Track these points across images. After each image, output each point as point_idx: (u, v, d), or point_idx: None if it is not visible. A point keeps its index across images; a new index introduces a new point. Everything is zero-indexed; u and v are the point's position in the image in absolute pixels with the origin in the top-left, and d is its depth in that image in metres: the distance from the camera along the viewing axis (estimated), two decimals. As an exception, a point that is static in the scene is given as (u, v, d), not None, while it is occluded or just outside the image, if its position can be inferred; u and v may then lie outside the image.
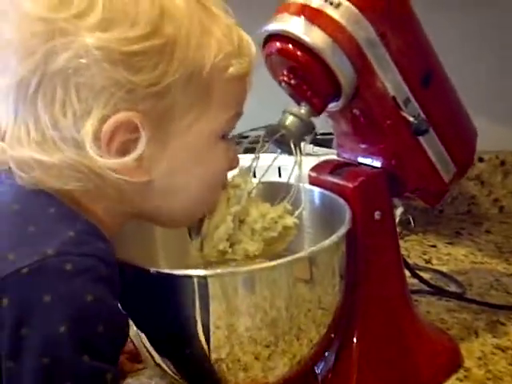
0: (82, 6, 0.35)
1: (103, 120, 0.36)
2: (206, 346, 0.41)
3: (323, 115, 0.49)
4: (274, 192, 0.48)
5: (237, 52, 0.39)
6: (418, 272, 0.61)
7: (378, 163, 0.50)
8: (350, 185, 0.48)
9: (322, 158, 0.55)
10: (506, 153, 0.86)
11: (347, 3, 0.44)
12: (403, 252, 0.54)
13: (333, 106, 0.48)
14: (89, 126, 0.35)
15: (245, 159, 0.53)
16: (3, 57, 0.37)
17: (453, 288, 0.67)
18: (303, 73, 0.45)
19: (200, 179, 0.40)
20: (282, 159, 0.49)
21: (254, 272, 0.41)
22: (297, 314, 0.42)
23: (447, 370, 0.53)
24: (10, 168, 0.37)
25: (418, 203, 0.66)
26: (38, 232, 0.35)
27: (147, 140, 0.36)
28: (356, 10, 0.44)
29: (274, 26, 0.46)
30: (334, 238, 0.43)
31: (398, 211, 0.79)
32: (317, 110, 0.47)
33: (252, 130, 0.48)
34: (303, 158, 0.46)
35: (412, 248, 0.78)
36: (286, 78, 0.46)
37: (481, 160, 0.85)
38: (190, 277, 0.40)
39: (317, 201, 0.51)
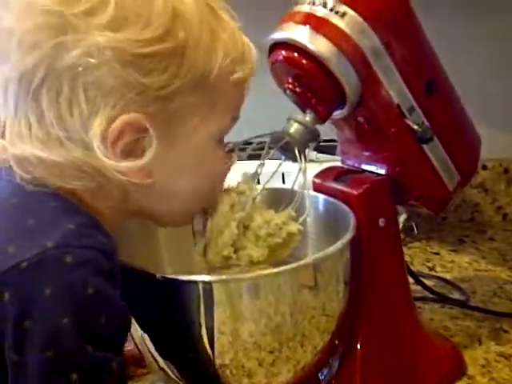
0: (94, 2, 0.35)
1: (111, 120, 0.35)
2: (210, 352, 0.42)
3: (327, 122, 0.49)
4: (279, 198, 0.48)
5: (241, 57, 0.39)
6: (421, 279, 0.61)
7: (382, 170, 0.51)
8: (355, 192, 0.48)
9: (326, 165, 0.55)
10: (509, 160, 0.86)
11: (352, 12, 0.44)
12: (406, 259, 0.54)
13: (337, 114, 0.48)
14: (97, 127, 0.35)
15: (249, 166, 0.54)
16: (2, 46, 0.36)
17: (456, 295, 0.67)
18: (308, 81, 0.46)
19: (200, 180, 0.40)
20: (286, 165, 0.50)
21: (259, 278, 0.41)
22: (301, 321, 0.42)
23: (451, 378, 0.53)
24: (10, 166, 0.37)
25: (421, 210, 0.66)
26: (38, 225, 0.35)
27: (155, 141, 0.36)
28: (361, 20, 0.44)
29: (279, 35, 0.46)
30: (338, 244, 0.43)
31: (402, 218, 0.79)
32: (321, 118, 0.47)
33: (257, 136, 0.49)
34: (307, 164, 0.46)
35: (415, 255, 0.78)
36: (291, 86, 0.46)
37: (484, 168, 0.86)
38: (194, 282, 0.40)
39: (321, 207, 0.51)
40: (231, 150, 0.46)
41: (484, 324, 0.61)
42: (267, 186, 0.50)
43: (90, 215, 0.37)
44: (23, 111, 0.36)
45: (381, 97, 0.47)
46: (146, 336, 0.44)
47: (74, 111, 0.35)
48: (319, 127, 0.47)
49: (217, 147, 0.40)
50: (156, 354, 0.44)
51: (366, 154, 0.52)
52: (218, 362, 0.42)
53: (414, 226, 0.82)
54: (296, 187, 0.48)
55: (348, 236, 0.44)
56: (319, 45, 0.44)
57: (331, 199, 0.50)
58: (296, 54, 0.45)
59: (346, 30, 0.44)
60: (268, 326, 0.41)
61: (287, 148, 0.47)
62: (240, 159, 0.48)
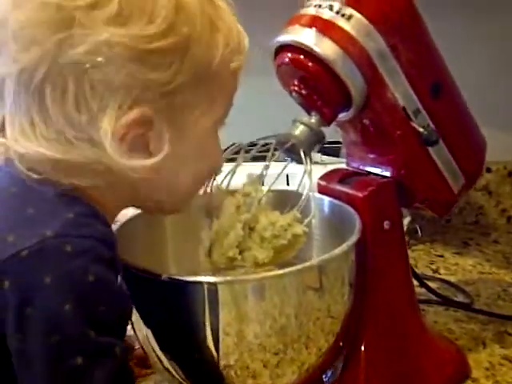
0: None
1: (120, 117, 0.35)
2: (215, 353, 0.42)
3: (332, 124, 0.49)
4: (284, 200, 0.48)
5: (238, 47, 0.39)
6: (425, 281, 0.61)
7: (387, 173, 0.51)
8: (360, 194, 0.49)
9: (330, 167, 0.55)
10: (513, 163, 0.86)
11: (358, 15, 0.45)
12: (411, 261, 0.54)
13: (343, 116, 0.49)
14: (106, 124, 0.35)
15: (254, 167, 0.54)
16: None
17: (460, 298, 0.67)
18: (314, 83, 0.46)
19: (201, 167, 0.41)
20: (291, 167, 0.50)
21: (264, 280, 0.41)
22: (306, 322, 0.42)
23: (455, 381, 0.53)
24: (9, 158, 0.36)
25: (425, 213, 0.66)
26: (37, 214, 0.35)
27: (162, 137, 0.37)
28: (367, 22, 0.45)
29: (285, 37, 0.46)
30: (344, 246, 0.43)
31: (406, 220, 0.79)
32: (327, 120, 0.47)
33: (262, 138, 0.49)
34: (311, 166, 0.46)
35: (419, 257, 0.78)
36: (296, 88, 0.47)
37: (488, 170, 0.85)
38: (200, 283, 0.41)
39: (326, 209, 0.52)
40: (236, 152, 0.47)
41: (488, 327, 0.61)
42: (272, 187, 0.50)
43: (89, 205, 0.37)
44: (25, 108, 0.35)
45: (386, 99, 0.47)
46: (150, 336, 0.44)
47: (82, 108, 0.35)
48: (324, 129, 0.48)
49: (215, 134, 0.41)
50: (161, 354, 0.44)
51: (371, 156, 0.52)
52: (222, 362, 0.42)
53: (418, 228, 0.82)
54: (301, 189, 0.48)
55: (353, 238, 0.44)
56: (325, 47, 0.45)
57: (336, 201, 0.51)
58: (302, 57, 0.45)
59: (352, 32, 0.44)
60: (273, 327, 0.41)
61: (292, 150, 0.47)
62: (245, 161, 0.48)
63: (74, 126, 0.35)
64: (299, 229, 0.44)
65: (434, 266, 0.76)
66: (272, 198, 0.48)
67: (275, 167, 0.49)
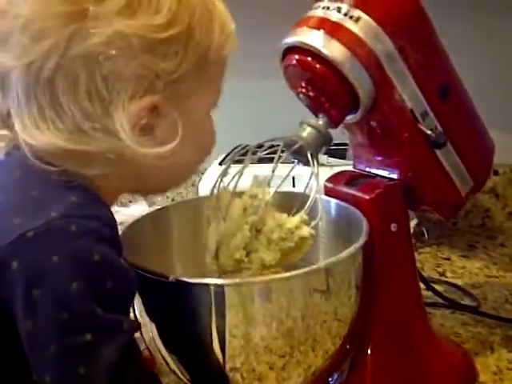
0: None
1: (131, 106, 0.36)
2: (221, 355, 0.42)
3: (339, 126, 0.49)
4: (290, 202, 0.48)
5: (229, 34, 0.40)
6: (432, 285, 0.61)
7: (394, 175, 0.51)
8: (367, 196, 0.48)
9: (337, 169, 0.55)
10: (521, 166, 0.85)
11: (366, 17, 0.44)
12: (417, 264, 0.54)
13: (350, 118, 0.48)
14: (119, 113, 0.36)
15: (260, 169, 0.54)
16: (3, 33, 0.35)
17: (467, 301, 0.66)
18: (321, 85, 0.46)
19: (201, 147, 0.42)
20: (296, 169, 0.50)
21: (271, 282, 0.41)
22: (312, 325, 0.42)
23: (462, 385, 0.53)
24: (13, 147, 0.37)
25: (431, 216, 0.66)
26: (41, 196, 0.36)
27: (173, 123, 0.38)
28: (375, 24, 0.44)
29: (293, 39, 0.46)
30: (351, 249, 0.43)
31: (412, 223, 0.79)
32: (334, 122, 0.47)
33: (269, 140, 0.49)
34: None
35: (426, 260, 0.77)
36: (304, 90, 0.46)
37: (496, 173, 0.85)
38: (207, 285, 0.41)
39: (333, 212, 0.51)
40: (243, 154, 0.47)
41: (496, 331, 0.61)
42: (279, 189, 0.50)
43: (90, 191, 0.38)
44: (35, 100, 0.36)
45: (394, 101, 0.47)
46: (157, 338, 0.44)
47: (94, 99, 0.36)
48: (331, 131, 0.47)
49: (210, 116, 0.42)
50: (167, 356, 0.44)
51: (379, 158, 0.52)
52: (228, 365, 0.42)
53: (424, 231, 0.81)
54: (308, 191, 0.48)
55: (361, 241, 0.44)
56: (333, 49, 0.44)
57: (343, 203, 0.50)
58: (310, 59, 0.45)
59: (360, 34, 0.44)
60: (279, 330, 0.41)
61: (299, 152, 0.47)
62: (251, 162, 0.48)
63: (87, 116, 0.36)
64: (306, 231, 0.44)
65: (440, 269, 0.75)
66: (279, 199, 0.48)
67: (281, 169, 0.49)
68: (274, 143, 0.49)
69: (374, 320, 0.49)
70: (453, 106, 0.49)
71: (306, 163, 0.47)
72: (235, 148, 0.87)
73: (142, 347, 0.50)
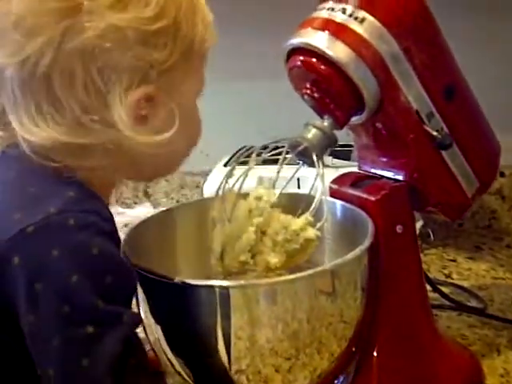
0: None
1: (128, 97, 0.37)
2: (226, 357, 0.42)
3: (344, 128, 0.49)
4: (295, 203, 0.48)
5: (209, 25, 0.41)
6: (438, 286, 0.61)
7: (399, 176, 0.50)
8: (373, 198, 0.48)
9: (341, 171, 0.55)
10: (527, 167, 0.85)
11: (371, 18, 0.44)
12: (423, 266, 0.53)
13: (355, 119, 0.48)
14: (116, 105, 0.36)
15: (265, 170, 0.54)
16: None
17: (473, 303, 0.66)
18: (326, 86, 0.46)
19: (192, 134, 0.43)
20: (301, 170, 0.50)
21: (277, 284, 0.41)
22: (318, 327, 0.42)
23: (469, 387, 0.52)
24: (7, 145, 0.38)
25: (437, 217, 0.65)
26: (39, 193, 0.37)
27: (170, 111, 0.39)
28: (380, 25, 0.44)
29: (297, 40, 0.46)
30: (357, 251, 0.43)
31: (418, 224, 0.79)
32: (339, 123, 0.47)
33: (274, 141, 0.49)
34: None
35: (432, 262, 0.77)
36: (309, 91, 0.46)
37: (502, 175, 0.84)
38: (212, 287, 0.40)
39: (338, 213, 0.51)
40: (248, 155, 0.47)
41: (502, 333, 0.60)
42: (284, 191, 0.50)
43: (86, 185, 0.38)
44: (31, 96, 0.36)
45: (399, 102, 0.46)
46: (162, 339, 0.44)
47: (91, 92, 0.36)
48: (335, 132, 0.47)
49: (197, 105, 0.43)
50: (172, 358, 0.44)
51: (384, 159, 0.52)
52: (234, 367, 0.42)
53: (430, 232, 0.81)
54: (313, 192, 0.48)
55: (366, 242, 0.44)
56: (338, 50, 0.44)
57: (348, 205, 0.50)
58: (314, 60, 0.45)
59: (365, 35, 0.44)
60: (285, 332, 0.41)
61: (305, 153, 0.47)
62: (256, 164, 0.48)
63: (85, 109, 0.37)
64: (312, 233, 0.44)
65: (446, 271, 0.75)
66: (284, 201, 0.48)
67: (286, 170, 0.49)
68: (279, 145, 0.49)
69: (379, 322, 0.49)
70: (458, 107, 0.49)
71: (311, 165, 0.47)
72: (240, 150, 0.87)
73: (147, 348, 0.50)
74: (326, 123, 0.47)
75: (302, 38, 0.46)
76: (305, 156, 0.47)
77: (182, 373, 0.45)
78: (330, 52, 0.44)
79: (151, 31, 0.37)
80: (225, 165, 0.83)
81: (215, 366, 0.43)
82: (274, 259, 0.44)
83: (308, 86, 0.46)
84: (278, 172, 0.46)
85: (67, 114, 0.36)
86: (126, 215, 0.81)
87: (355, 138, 0.54)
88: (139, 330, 0.39)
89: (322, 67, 0.45)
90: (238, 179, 0.47)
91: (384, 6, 0.45)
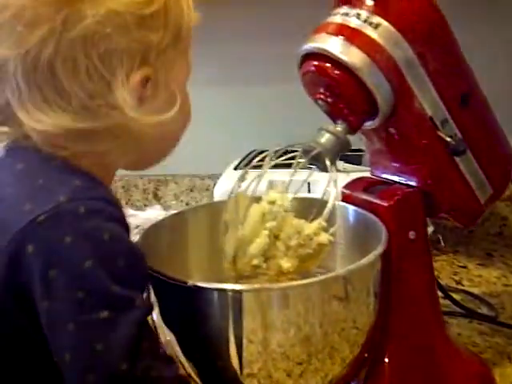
0: None
1: (129, 80, 0.38)
2: (238, 361, 0.41)
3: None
4: (307, 208, 0.48)
5: (192, 9, 0.42)
6: (450, 293, 0.60)
7: (412, 182, 0.50)
8: (385, 203, 0.48)
9: (352, 175, 0.55)
10: (539, 174, 0.84)
11: (386, 24, 0.44)
12: (433, 272, 0.53)
13: (369, 124, 0.48)
14: (121, 88, 0.37)
15: (275, 174, 0.54)
16: None
17: (484, 311, 0.66)
18: (340, 91, 0.46)
19: (184, 121, 0.44)
20: (312, 175, 0.50)
21: (290, 289, 0.41)
22: (331, 333, 0.42)
23: (480, 395, 0.52)
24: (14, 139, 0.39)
25: (448, 223, 0.65)
26: (47, 183, 0.37)
27: (171, 91, 0.40)
28: (395, 31, 0.44)
29: (312, 45, 0.46)
30: (371, 256, 0.43)
31: (428, 231, 0.78)
32: (353, 128, 0.47)
33: (288, 146, 0.49)
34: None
35: (442, 268, 0.76)
36: (322, 96, 0.46)
37: (513, 180, 0.84)
38: (224, 290, 0.41)
39: (351, 218, 0.51)
40: (261, 159, 0.47)
41: (514, 341, 0.60)
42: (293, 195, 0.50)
43: (90, 174, 0.39)
44: (35, 87, 0.37)
45: (413, 108, 0.46)
46: (173, 341, 0.44)
47: (94, 77, 0.37)
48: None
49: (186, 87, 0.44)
50: (184, 360, 0.44)
51: (397, 165, 0.51)
52: (245, 371, 0.42)
53: (440, 238, 0.80)
54: (325, 197, 0.48)
55: (380, 248, 0.43)
56: (352, 55, 0.44)
57: (361, 210, 0.50)
58: (329, 65, 0.45)
59: (380, 40, 0.44)
60: (297, 336, 0.41)
61: (317, 158, 0.47)
62: (271, 167, 0.48)
63: (90, 95, 0.37)
64: (325, 238, 0.44)
65: (457, 277, 0.74)
66: (296, 205, 0.48)
67: (297, 174, 0.49)
68: (290, 149, 0.49)
69: (391, 328, 0.49)
70: (473, 114, 0.49)
71: (324, 169, 0.47)
72: (250, 153, 0.87)
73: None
74: (339, 128, 0.47)
75: (316, 43, 0.46)
76: (317, 161, 0.47)
77: (193, 375, 0.45)
78: (344, 57, 0.44)
79: (147, 15, 0.38)
80: (235, 168, 0.83)
81: (226, 370, 0.42)
82: (286, 264, 0.44)
83: (322, 90, 0.46)
84: (292, 176, 0.46)
85: (73, 100, 0.37)
86: (138, 217, 0.81)
87: (367, 143, 0.54)
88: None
89: (336, 72, 0.45)
90: (250, 183, 0.47)
91: (399, 12, 0.45)
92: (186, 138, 0.45)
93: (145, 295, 0.40)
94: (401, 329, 0.49)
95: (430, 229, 0.79)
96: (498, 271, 0.75)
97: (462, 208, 0.52)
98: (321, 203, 0.47)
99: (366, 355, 0.46)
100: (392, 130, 0.49)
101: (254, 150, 0.84)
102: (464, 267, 0.77)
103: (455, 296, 0.63)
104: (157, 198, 0.95)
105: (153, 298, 0.43)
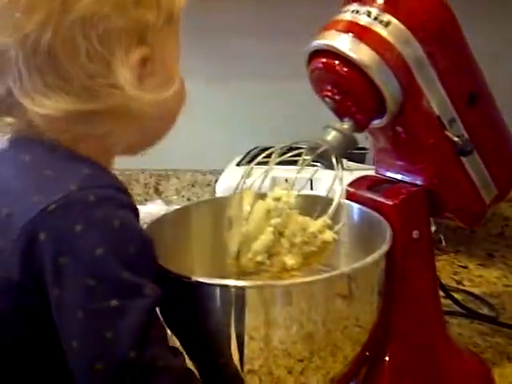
0: None
1: (129, 59, 0.38)
2: (238, 357, 0.41)
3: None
4: (311, 205, 0.48)
5: None
6: (451, 293, 0.60)
7: (418, 181, 0.50)
8: (390, 202, 0.48)
9: (356, 173, 0.55)
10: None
11: (396, 22, 0.44)
12: (435, 272, 0.53)
13: (376, 123, 0.48)
14: (120, 67, 0.38)
15: (279, 171, 0.54)
16: None
17: (485, 311, 0.66)
18: (348, 88, 0.45)
19: (180, 101, 0.44)
20: (316, 172, 0.49)
21: (294, 286, 0.41)
22: (333, 330, 0.42)
23: (480, 395, 0.52)
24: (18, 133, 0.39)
25: (449, 223, 0.65)
26: (55, 174, 0.38)
27: (169, 69, 0.41)
28: (405, 29, 0.44)
29: (321, 42, 0.46)
30: (375, 255, 0.42)
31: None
32: (360, 126, 0.47)
33: (293, 143, 0.48)
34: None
35: (443, 268, 0.76)
36: (330, 94, 0.46)
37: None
38: (227, 287, 0.40)
39: (355, 216, 0.51)
40: (267, 156, 0.47)
41: (514, 342, 0.60)
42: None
43: (96, 162, 0.39)
44: (36, 72, 0.37)
45: (421, 107, 0.46)
46: (174, 337, 0.44)
47: (95, 59, 0.37)
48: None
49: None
50: (185, 355, 0.44)
51: (402, 164, 0.51)
52: (246, 367, 0.42)
53: (442, 238, 0.80)
54: (330, 195, 0.48)
55: (385, 247, 0.43)
56: (361, 53, 0.44)
57: (365, 208, 0.50)
58: (337, 62, 0.45)
59: (389, 38, 0.44)
60: (299, 334, 0.41)
61: (323, 155, 0.47)
62: (274, 164, 0.48)
63: (91, 76, 0.38)
64: (330, 236, 0.44)
65: (457, 277, 0.74)
66: (301, 202, 0.48)
67: (300, 171, 0.49)
68: (295, 146, 0.49)
69: (392, 326, 0.49)
70: (480, 114, 0.49)
71: (329, 167, 0.47)
72: (252, 150, 0.87)
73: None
74: (346, 126, 0.46)
75: (325, 39, 0.46)
76: (323, 158, 0.47)
77: (194, 370, 0.45)
78: (353, 54, 0.44)
79: None
80: (237, 164, 0.82)
81: (227, 366, 0.42)
82: (290, 261, 0.44)
83: (329, 88, 0.46)
84: (298, 173, 0.46)
85: (74, 82, 0.37)
86: (140, 212, 0.81)
87: (373, 142, 0.54)
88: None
89: (345, 69, 0.45)
90: (255, 179, 0.47)
91: (409, 10, 0.45)
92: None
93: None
94: (403, 327, 0.49)
95: (432, 228, 0.79)
96: (499, 271, 0.75)
97: (467, 208, 0.52)
98: (326, 201, 0.47)
99: (367, 353, 0.46)
100: (399, 129, 0.49)
101: (257, 147, 0.83)
102: (465, 267, 0.77)
103: (456, 296, 0.63)
104: (158, 192, 0.95)
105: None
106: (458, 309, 0.62)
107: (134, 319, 0.35)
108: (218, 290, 0.41)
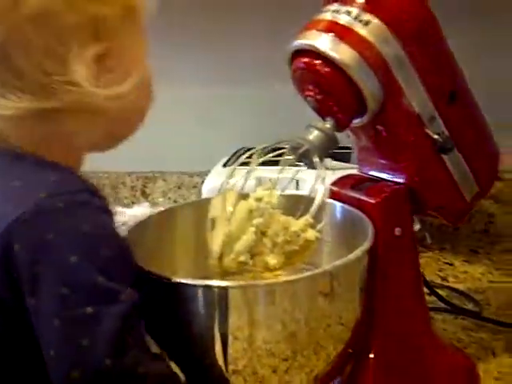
0: None
1: (85, 54, 0.38)
2: (223, 357, 0.41)
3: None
4: (294, 204, 0.48)
5: None
6: (435, 289, 0.61)
7: (400, 179, 0.50)
8: (372, 200, 0.48)
9: (340, 173, 0.55)
10: (524, 171, 0.85)
11: (376, 21, 0.44)
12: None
13: (357, 122, 0.48)
14: (77, 63, 0.37)
15: (264, 171, 0.54)
16: None
17: (469, 306, 0.66)
18: (329, 88, 0.46)
19: (147, 96, 0.44)
20: (300, 172, 0.50)
21: (277, 285, 0.41)
22: (316, 329, 0.42)
23: (464, 390, 0.53)
24: None
25: (434, 220, 0.65)
26: (24, 184, 0.38)
27: (127, 62, 0.40)
28: (385, 28, 0.44)
29: (301, 42, 0.46)
30: (357, 252, 0.43)
31: (415, 228, 0.79)
32: (341, 125, 0.47)
33: (276, 143, 0.48)
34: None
35: (428, 265, 0.77)
36: (311, 93, 0.46)
37: (498, 179, 0.85)
38: (210, 287, 0.40)
39: (338, 215, 0.51)
40: (249, 157, 0.47)
41: (498, 336, 0.61)
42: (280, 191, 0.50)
43: (61, 165, 0.39)
44: None
45: (402, 105, 0.47)
46: (158, 339, 0.44)
47: (51, 56, 0.37)
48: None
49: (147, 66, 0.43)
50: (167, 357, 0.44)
51: (384, 162, 0.52)
52: (230, 367, 0.42)
53: (426, 235, 0.81)
54: (313, 194, 0.48)
55: (367, 244, 0.44)
56: (342, 52, 0.44)
57: (347, 207, 0.50)
58: (318, 62, 0.45)
59: (370, 38, 0.44)
60: (283, 333, 0.41)
61: (306, 155, 0.47)
62: (257, 165, 0.48)
63: (47, 73, 0.37)
64: (312, 234, 0.44)
65: (442, 274, 0.75)
66: (283, 202, 0.48)
67: (285, 172, 0.49)
68: (279, 146, 0.49)
69: (376, 324, 0.49)
70: (460, 111, 0.49)
71: (311, 166, 0.47)
72: (238, 151, 0.87)
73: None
74: (327, 125, 0.47)
75: (306, 39, 0.46)
76: (306, 157, 0.47)
77: (178, 372, 0.45)
78: (333, 54, 0.44)
79: None
80: (224, 165, 0.82)
81: (211, 366, 0.42)
82: (273, 260, 0.44)
83: (311, 87, 0.46)
84: (280, 173, 0.46)
85: (30, 80, 0.37)
86: (125, 214, 0.81)
87: (355, 141, 0.54)
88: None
89: (326, 69, 0.45)
90: (239, 180, 0.47)
91: (389, 10, 0.45)
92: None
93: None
94: (386, 324, 0.50)
95: (417, 226, 0.79)
96: (483, 267, 0.76)
97: (449, 205, 0.52)
98: (308, 200, 0.47)
99: (351, 351, 0.46)
100: (380, 127, 0.49)
101: (243, 148, 0.84)
102: (450, 264, 0.78)
103: (441, 292, 0.64)
104: (145, 195, 0.95)
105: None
106: (442, 305, 0.63)
107: (110, 326, 0.35)
108: (200, 291, 0.41)
